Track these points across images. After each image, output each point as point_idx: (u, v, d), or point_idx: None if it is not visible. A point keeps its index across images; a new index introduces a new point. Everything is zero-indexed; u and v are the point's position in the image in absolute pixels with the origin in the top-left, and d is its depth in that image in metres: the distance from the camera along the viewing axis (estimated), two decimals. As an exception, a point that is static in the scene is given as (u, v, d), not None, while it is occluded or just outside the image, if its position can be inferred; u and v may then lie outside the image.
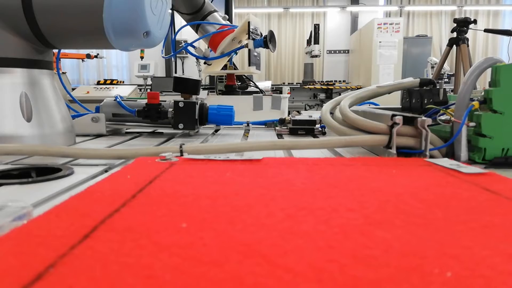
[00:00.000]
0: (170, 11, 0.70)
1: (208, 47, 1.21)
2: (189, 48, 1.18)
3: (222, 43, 1.15)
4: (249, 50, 1.13)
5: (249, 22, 1.10)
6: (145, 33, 0.61)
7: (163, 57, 1.25)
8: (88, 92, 3.01)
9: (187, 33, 1.25)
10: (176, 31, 1.26)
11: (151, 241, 0.21)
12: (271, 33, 1.12)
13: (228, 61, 1.28)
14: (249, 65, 1.17)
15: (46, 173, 0.45)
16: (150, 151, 0.50)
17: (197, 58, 1.20)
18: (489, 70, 0.51)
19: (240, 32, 1.14)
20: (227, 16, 1.29)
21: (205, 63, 1.26)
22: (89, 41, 0.66)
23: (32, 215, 0.25)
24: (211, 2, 1.27)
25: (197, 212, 0.26)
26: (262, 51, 1.21)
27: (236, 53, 1.21)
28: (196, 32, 1.23)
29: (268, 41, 1.10)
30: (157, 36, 0.65)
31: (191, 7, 1.18)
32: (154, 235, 0.22)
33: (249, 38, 1.11)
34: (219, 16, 1.23)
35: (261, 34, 1.17)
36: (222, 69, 1.30)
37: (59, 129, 0.66)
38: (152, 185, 0.33)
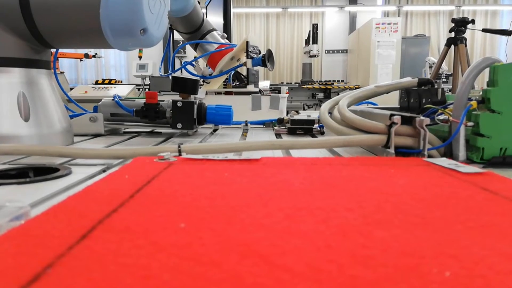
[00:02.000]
0: (169, 29, 0.70)
1: (207, 65, 1.22)
2: (188, 66, 1.18)
3: (220, 62, 1.16)
4: (248, 68, 1.14)
5: (247, 42, 1.11)
6: (142, 30, 0.61)
7: (161, 75, 1.26)
8: (86, 92, 3.01)
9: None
10: (174, 50, 1.28)
11: (149, 241, 0.21)
12: (269, 52, 1.13)
13: (226, 79, 1.29)
14: (247, 83, 1.19)
15: (43, 173, 0.45)
16: (148, 151, 0.50)
17: (198, 77, 1.21)
18: (487, 70, 0.51)
19: (239, 50, 1.15)
20: (225, 35, 1.30)
21: (203, 81, 1.26)
22: (87, 40, 0.65)
23: (29, 215, 0.25)
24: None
25: (195, 212, 0.26)
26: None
27: (235, 71, 1.22)
28: (195, 50, 1.24)
29: (266, 59, 1.11)
30: (155, 35, 0.65)
31: (189, 26, 1.19)
32: (152, 235, 0.22)
33: (247, 57, 1.12)
34: (217, 34, 1.24)
35: (259, 51, 1.18)
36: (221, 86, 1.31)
37: (57, 129, 0.66)
38: (150, 185, 0.33)
